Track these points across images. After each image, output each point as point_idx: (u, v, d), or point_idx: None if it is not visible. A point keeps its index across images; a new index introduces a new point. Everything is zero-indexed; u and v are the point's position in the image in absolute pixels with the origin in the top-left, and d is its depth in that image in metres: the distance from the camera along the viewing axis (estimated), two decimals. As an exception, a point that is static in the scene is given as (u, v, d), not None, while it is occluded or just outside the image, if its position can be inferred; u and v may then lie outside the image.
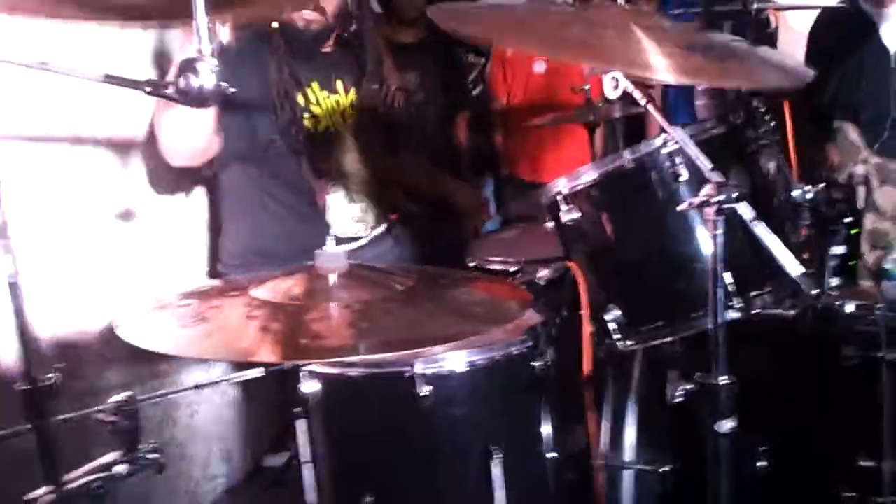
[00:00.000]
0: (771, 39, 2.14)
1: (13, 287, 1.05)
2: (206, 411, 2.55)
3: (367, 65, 2.27)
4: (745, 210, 1.08)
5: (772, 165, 1.60)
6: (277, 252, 2.08)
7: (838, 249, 1.81)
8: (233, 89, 0.98)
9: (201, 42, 0.93)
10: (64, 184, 1.93)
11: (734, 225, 1.26)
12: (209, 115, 1.86)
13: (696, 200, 1.08)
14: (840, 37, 3.62)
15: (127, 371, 2.13)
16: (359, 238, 2.21)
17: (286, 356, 1.10)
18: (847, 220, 1.83)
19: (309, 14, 2.03)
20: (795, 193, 1.66)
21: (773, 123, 1.70)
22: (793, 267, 1.07)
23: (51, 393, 1.10)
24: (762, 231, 1.07)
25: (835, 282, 1.83)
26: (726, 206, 1.06)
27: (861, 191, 4.69)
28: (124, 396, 1.27)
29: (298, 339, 1.13)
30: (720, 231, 1.09)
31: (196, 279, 2.40)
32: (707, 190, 1.07)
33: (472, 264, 2.14)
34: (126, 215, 2.14)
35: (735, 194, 1.06)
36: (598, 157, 3.64)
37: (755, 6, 2.14)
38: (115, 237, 2.10)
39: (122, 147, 2.11)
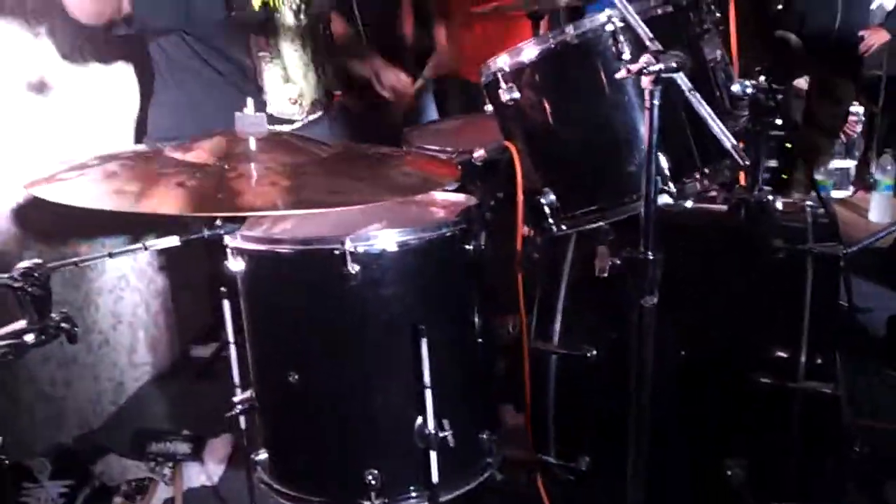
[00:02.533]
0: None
1: None
2: (131, 298, 2.49)
3: None
4: (682, 81, 1.05)
5: (716, 54, 1.57)
6: (209, 127, 1.99)
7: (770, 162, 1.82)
8: None
9: None
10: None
11: (671, 105, 1.23)
12: None
13: (634, 68, 1.05)
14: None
15: (45, 251, 2.05)
16: (293, 121, 2.14)
17: (203, 210, 1.05)
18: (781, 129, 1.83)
19: None
20: (735, 87, 1.64)
21: (717, 15, 1.67)
22: (726, 138, 1.05)
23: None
24: (697, 102, 1.05)
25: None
26: (664, 75, 1.03)
27: (800, 104, 4.72)
28: (32, 262, 1.21)
29: (216, 195, 1.08)
30: (657, 101, 1.06)
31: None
32: (646, 58, 1.03)
33: (406, 151, 2.08)
34: (40, 87, 2.02)
35: (673, 64, 1.02)
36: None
37: None
38: (29, 110, 1.99)
39: (34, 14, 1.97)
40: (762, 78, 1.72)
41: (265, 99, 2.07)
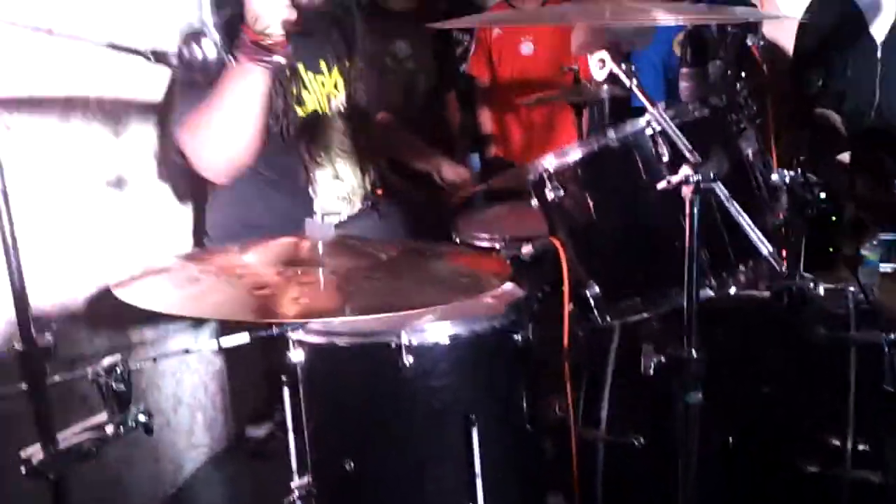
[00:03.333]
0: (755, 27, 2.16)
1: (9, 252, 1.07)
2: (190, 380, 2.59)
3: (354, 42, 2.29)
4: (720, 190, 1.12)
5: (752, 149, 1.64)
6: (263, 225, 2.11)
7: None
8: (231, 58, 1.01)
9: (203, 14, 0.96)
10: (57, 150, 1.95)
11: (711, 205, 1.31)
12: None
13: (675, 179, 1.12)
14: (829, 26, 3.68)
15: (114, 337, 2.16)
16: (342, 215, 2.24)
17: (274, 316, 1.14)
18: (824, 204, 1.88)
19: None
20: (774, 177, 1.70)
21: (754, 108, 1.75)
22: (763, 245, 1.11)
23: (46, 354, 1.13)
24: (736, 211, 1.11)
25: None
26: (703, 185, 1.10)
27: (842, 179, 4.75)
28: (116, 359, 1.31)
29: (286, 301, 1.17)
30: (696, 210, 1.13)
31: (183, 247, 2.43)
32: (685, 170, 1.11)
33: (457, 240, 2.17)
34: (118, 183, 2.16)
35: (712, 174, 1.10)
36: (584, 138, 3.69)
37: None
38: (106, 205, 2.12)
39: (113, 115, 2.13)
40: (800, 170, 1.79)
41: (315, 197, 2.18)
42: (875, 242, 4.88)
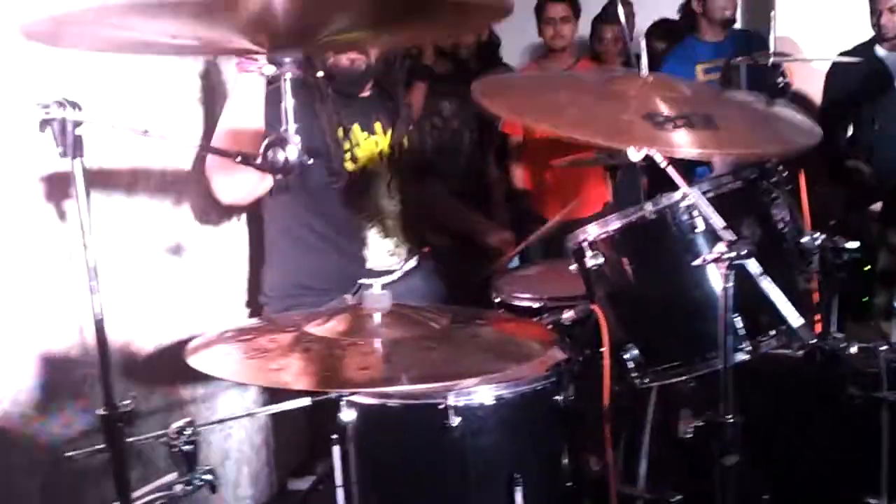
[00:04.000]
0: (784, 92, 2.24)
1: (99, 323, 1.18)
2: (237, 435, 2.67)
3: (400, 104, 2.42)
4: (753, 266, 1.19)
5: (783, 215, 1.71)
6: (317, 285, 2.22)
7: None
8: (311, 161, 1.12)
9: (287, 123, 1.07)
10: (123, 220, 2.07)
11: (746, 273, 1.38)
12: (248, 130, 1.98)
13: (710, 257, 1.20)
14: (856, 81, 3.75)
15: (169, 396, 2.26)
16: (392, 271, 2.34)
17: (337, 385, 1.23)
18: (855, 254, 1.94)
19: (353, 54, 2.18)
20: (804, 240, 1.77)
21: (785, 174, 1.82)
22: (794, 319, 1.18)
23: (127, 418, 1.23)
24: (768, 285, 1.19)
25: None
26: (736, 262, 1.18)
27: (875, 228, 4.77)
28: (185, 422, 1.41)
29: (347, 371, 1.26)
30: (731, 284, 1.20)
31: (238, 309, 2.54)
32: (719, 247, 1.19)
33: (497, 300, 2.25)
34: (176, 250, 2.28)
35: (744, 251, 1.17)
36: (615, 196, 3.78)
37: (771, 60, 2.24)
38: (166, 270, 2.24)
39: (174, 185, 2.25)
40: (831, 233, 1.85)
41: (366, 255, 2.28)
42: (909, 290, 4.85)
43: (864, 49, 3.72)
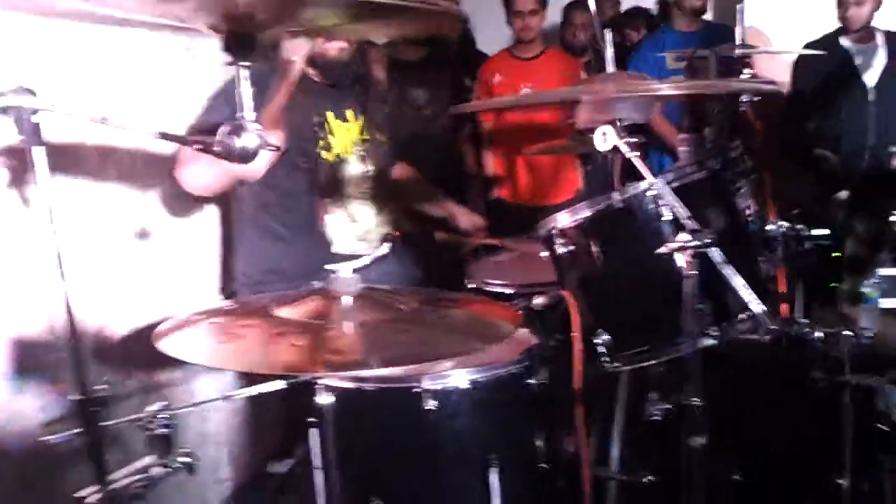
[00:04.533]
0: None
1: (68, 308, 1.19)
2: (216, 418, 2.69)
3: (372, 92, 2.43)
4: (715, 254, 1.23)
5: (748, 204, 1.76)
6: (286, 271, 2.23)
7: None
8: (273, 147, 1.13)
9: (243, 110, 1.08)
10: (90, 203, 2.07)
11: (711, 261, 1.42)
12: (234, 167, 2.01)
13: (673, 246, 1.23)
14: (822, 72, 3.82)
15: (144, 380, 2.26)
16: (360, 256, 2.35)
17: (310, 370, 1.25)
18: (823, 241, 1.99)
19: (340, 43, 2.19)
20: (769, 228, 1.82)
21: (750, 164, 1.86)
22: (755, 305, 1.22)
23: (102, 402, 1.24)
24: (730, 273, 1.22)
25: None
26: (699, 250, 1.21)
27: (841, 215, 4.86)
28: (161, 405, 1.42)
29: (320, 355, 1.28)
30: (694, 272, 1.24)
31: (210, 295, 2.54)
32: (683, 236, 1.22)
33: (471, 286, 2.28)
34: (143, 235, 2.28)
35: (707, 240, 1.21)
36: (586, 180, 3.82)
37: (737, 52, 2.29)
38: (137, 254, 2.24)
39: (143, 170, 2.25)
40: (795, 222, 1.90)
41: (330, 240, 2.31)
42: (876, 279, 4.98)
43: (830, 40, 3.79)
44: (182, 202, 2.39)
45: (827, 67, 3.77)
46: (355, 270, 1.55)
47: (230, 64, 1.08)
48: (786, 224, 1.89)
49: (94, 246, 2.06)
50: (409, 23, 1.17)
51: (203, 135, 1.15)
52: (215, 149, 1.12)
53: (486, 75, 3.84)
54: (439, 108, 3.71)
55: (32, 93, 1.13)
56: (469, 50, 4.22)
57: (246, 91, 1.08)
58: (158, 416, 1.40)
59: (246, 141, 1.10)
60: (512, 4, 3.71)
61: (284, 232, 2.29)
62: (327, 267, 2.21)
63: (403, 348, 1.34)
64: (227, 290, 2.49)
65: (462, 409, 1.59)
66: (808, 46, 3.78)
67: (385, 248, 2.42)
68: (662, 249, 1.27)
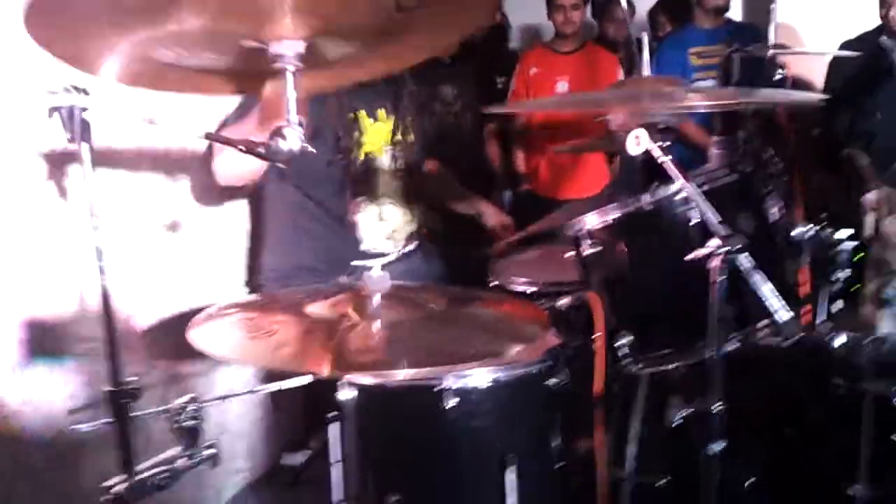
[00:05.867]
0: (782, 84, 2.27)
1: (106, 302, 1.21)
2: (236, 409, 2.72)
3: (403, 90, 2.43)
4: (744, 261, 1.23)
5: (776, 208, 1.75)
6: (315, 266, 2.25)
7: (840, 274, 1.95)
8: (312, 150, 1.15)
9: (289, 113, 1.10)
10: (122, 196, 2.10)
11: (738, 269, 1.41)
12: None
13: (702, 252, 1.23)
14: (859, 70, 3.76)
15: (167, 369, 2.29)
16: (388, 254, 2.37)
17: (339, 369, 1.27)
18: (850, 242, 1.98)
19: None
20: (796, 232, 1.81)
21: (780, 166, 1.84)
22: (782, 314, 1.22)
23: (133, 394, 1.27)
24: (758, 280, 1.22)
25: (837, 306, 1.97)
26: (729, 257, 1.21)
27: (870, 218, 4.80)
28: (189, 398, 1.44)
29: (348, 354, 1.30)
30: (722, 278, 1.24)
31: (236, 288, 2.57)
32: (713, 242, 1.22)
33: (494, 284, 2.28)
34: (173, 227, 2.31)
35: (737, 246, 1.21)
36: (615, 176, 3.81)
37: (770, 52, 2.26)
38: (163, 246, 2.27)
39: (174, 162, 2.27)
40: (823, 225, 1.88)
41: (360, 237, 2.32)
42: (898, 284, 4.89)
43: (869, 38, 3.73)
44: (212, 195, 2.42)
45: (864, 65, 3.71)
46: (383, 267, 1.57)
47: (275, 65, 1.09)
48: (814, 228, 1.88)
49: (125, 236, 2.09)
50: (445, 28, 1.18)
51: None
52: (259, 150, 1.14)
53: (523, 67, 3.85)
54: (468, 105, 3.72)
55: (86, 91, 1.15)
56: (500, 46, 4.22)
57: (291, 95, 1.10)
58: (187, 409, 1.42)
59: (289, 143, 1.12)
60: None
61: (315, 227, 2.31)
62: (357, 263, 2.25)
63: (432, 349, 1.36)
64: (254, 284, 2.51)
65: (482, 407, 1.60)
66: (844, 45, 3.73)
67: (411, 246, 2.45)
68: (692, 256, 1.27)
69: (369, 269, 1.50)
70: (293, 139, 1.11)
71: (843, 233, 2.22)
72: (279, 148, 1.12)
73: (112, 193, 2.03)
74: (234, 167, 2.09)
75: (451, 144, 3.57)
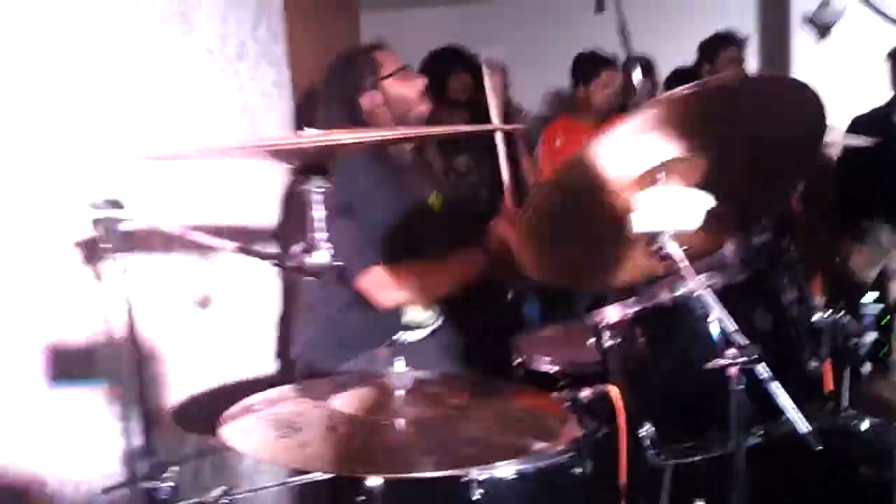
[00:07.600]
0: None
1: (140, 391, 1.28)
2: (264, 499, 2.74)
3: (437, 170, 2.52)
4: (762, 371, 1.26)
5: (795, 298, 1.77)
6: (359, 343, 2.31)
7: (869, 337, 1.96)
8: (339, 263, 1.21)
9: (314, 231, 1.17)
10: (157, 272, 2.16)
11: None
12: None
13: (721, 363, 1.27)
14: (877, 139, 3.80)
15: (197, 445, 2.33)
16: (425, 326, 2.43)
17: (364, 470, 1.32)
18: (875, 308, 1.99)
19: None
20: (815, 319, 1.83)
21: (796, 254, 1.86)
22: (801, 425, 1.25)
23: (170, 495, 1.32)
24: (776, 390, 1.26)
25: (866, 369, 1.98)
26: (747, 367, 1.25)
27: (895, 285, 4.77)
28: (221, 490, 1.50)
29: (371, 453, 1.37)
30: (741, 386, 1.28)
31: (266, 363, 2.62)
32: (731, 353, 1.26)
33: (518, 360, 2.32)
34: (204, 302, 2.37)
35: (755, 357, 1.25)
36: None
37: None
38: (193, 322, 2.33)
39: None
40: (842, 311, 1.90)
41: (403, 310, 2.38)
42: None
43: (882, 113, 3.79)
44: (246, 270, 2.49)
45: (882, 135, 3.75)
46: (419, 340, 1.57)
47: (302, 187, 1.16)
48: (834, 315, 1.89)
49: (156, 311, 2.15)
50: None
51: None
52: (289, 264, 1.20)
53: (547, 137, 3.91)
54: (483, 175, 3.71)
55: (120, 205, 1.23)
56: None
57: (318, 213, 1.17)
58: (220, 501, 1.47)
59: (318, 258, 1.19)
60: (596, 75, 3.83)
61: (352, 300, 2.31)
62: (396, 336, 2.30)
63: (455, 448, 1.40)
64: (286, 357, 2.56)
65: (508, 499, 1.63)
66: (855, 122, 3.78)
67: (440, 320, 2.50)
68: (710, 365, 1.31)
69: (408, 341, 1.55)
70: (320, 255, 1.18)
71: (870, 296, 2.24)
72: (306, 263, 1.19)
73: (145, 268, 2.10)
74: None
75: (465, 216, 3.60)
